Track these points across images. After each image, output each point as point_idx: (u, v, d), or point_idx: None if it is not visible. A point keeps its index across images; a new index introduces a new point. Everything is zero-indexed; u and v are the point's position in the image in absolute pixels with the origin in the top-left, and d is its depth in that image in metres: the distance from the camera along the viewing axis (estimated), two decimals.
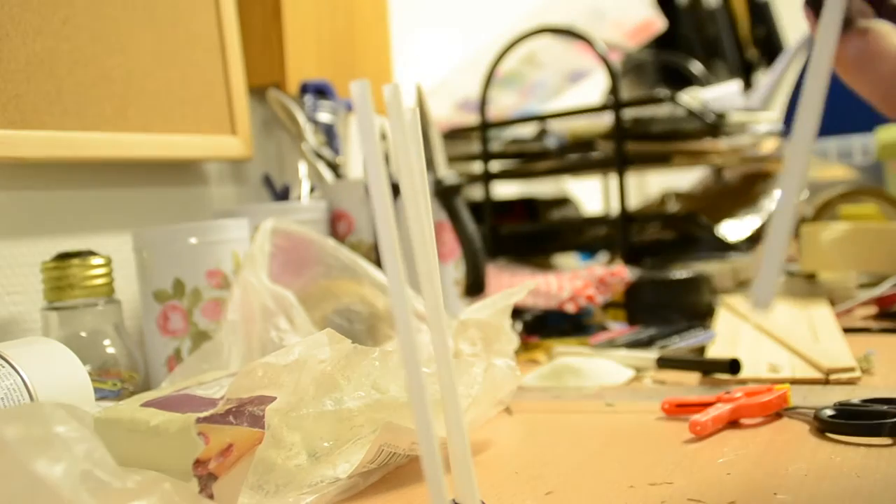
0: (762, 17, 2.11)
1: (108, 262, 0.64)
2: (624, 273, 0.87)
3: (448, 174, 0.86)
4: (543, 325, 0.84)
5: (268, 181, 0.90)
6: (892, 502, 0.37)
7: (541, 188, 1.42)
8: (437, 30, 1.34)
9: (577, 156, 1.10)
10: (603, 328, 0.84)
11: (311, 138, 0.89)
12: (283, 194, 0.88)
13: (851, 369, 0.60)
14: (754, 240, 1.24)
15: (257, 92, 0.93)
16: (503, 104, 1.24)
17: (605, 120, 1.05)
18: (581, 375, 0.66)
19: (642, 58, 1.76)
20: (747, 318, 0.81)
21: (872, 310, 0.85)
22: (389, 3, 1.12)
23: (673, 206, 1.35)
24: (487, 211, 1.07)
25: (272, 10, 0.92)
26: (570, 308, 0.83)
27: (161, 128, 0.76)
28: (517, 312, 0.78)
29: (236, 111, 0.85)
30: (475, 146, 1.14)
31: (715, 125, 1.05)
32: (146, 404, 0.47)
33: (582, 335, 0.81)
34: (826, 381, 0.60)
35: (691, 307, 0.86)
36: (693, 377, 0.64)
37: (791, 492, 0.39)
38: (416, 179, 0.27)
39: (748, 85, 1.85)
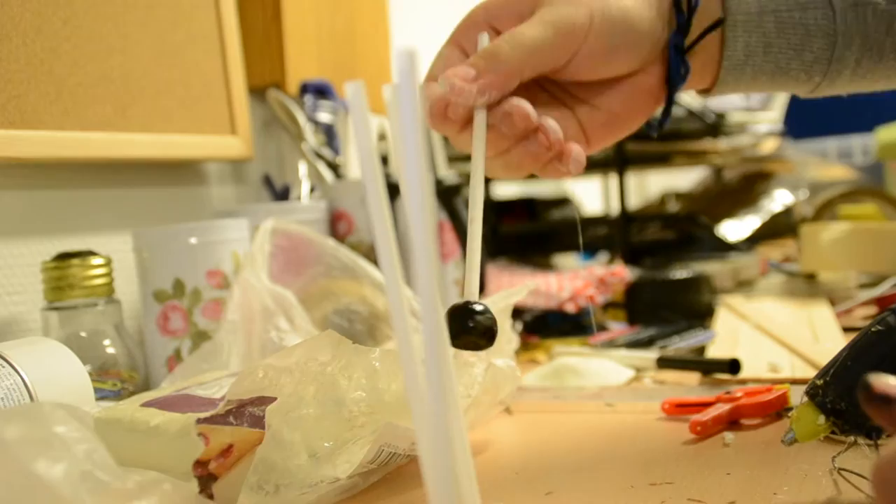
0: None
1: (108, 262, 0.64)
2: (624, 273, 0.87)
3: (448, 174, 0.86)
4: (543, 325, 0.84)
5: (268, 181, 0.90)
6: None
7: (541, 188, 1.42)
8: (437, 30, 1.34)
9: None
10: (603, 328, 0.84)
11: (311, 138, 0.89)
12: (283, 194, 0.88)
13: None
14: (754, 240, 1.24)
15: (257, 92, 0.93)
16: None
17: None
18: (581, 375, 0.66)
19: None
20: (747, 318, 0.81)
21: (872, 310, 0.85)
22: (389, 3, 1.12)
23: (673, 206, 1.35)
24: (487, 211, 1.07)
25: (272, 10, 0.92)
26: (570, 308, 0.83)
27: (161, 128, 0.76)
28: (517, 312, 0.78)
29: (236, 111, 0.85)
30: None
31: (715, 125, 1.05)
32: (146, 404, 0.47)
33: (582, 335, 0.81)
34: None
35: (691, 307, 0.86)
36: (693, 377, 0.64)
37: (791, 492, 0.39)
38: (419, 171, 0.27)
39: None
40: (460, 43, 0.49)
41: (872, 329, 0.41)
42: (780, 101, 1.27)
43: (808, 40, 0.48)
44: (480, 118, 0.45)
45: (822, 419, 0.40)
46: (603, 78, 0.48)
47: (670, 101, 0.50)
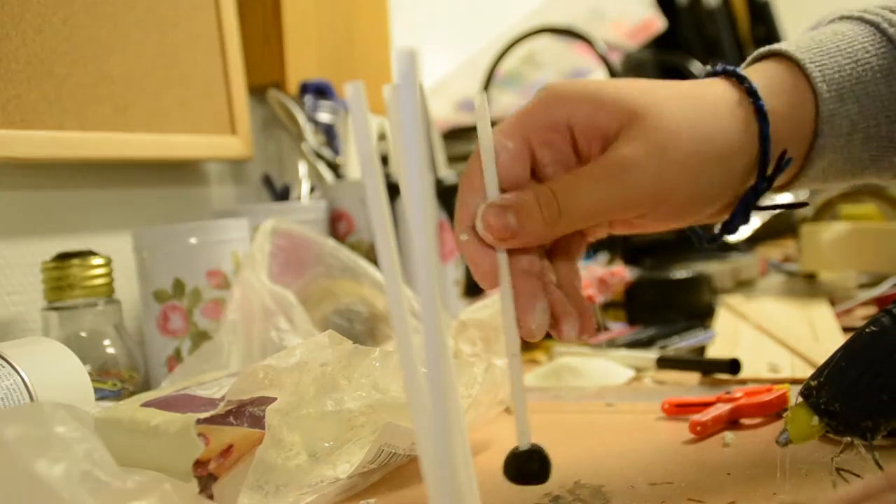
0: (762, 17, 2.11)
1: (108, 262, 0.64)
2: (624, 273, 0.87)
3: (448, 174, 0.86)
4: None
5: (268, 181, 0.90)
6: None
7: None
8: (437, 30, 1.34)
9: None
10: (603, 328, 0.84)
11: (311, 138, 0.89)
12: (283, 194, 0.88)
13: None
14: (754, 240, 1.24)
15: (257, 92, 0.93)
16: (503, 104, 1.24)
17: None
18: (581, 375, 0.66)
19: (642, 58, 1.76)
20: (747, 318, 0.81)
21: (872, 310, 0.84)
22: (389, 3, 1.12)
23: None
24: None
25: (272, 10, 0.92)
26: None
27: (161, 128, 0.76)
28: None
29: (236, 111, 0.85)
30: (475, 146, 1.14)
31: None
32: (146, 404, 0.47)
33: None
34: None
35: (691, 307, 0.86)
36: (693, 377, 0.64)
37: (791, 492, 0.39)
38: (419, 171, 0.27)
39: None
40: (529, 137, 0.41)
41: (867, 330, 0.41)
42: None
43: (887, 151, 0.44)
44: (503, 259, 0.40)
45: (815, 420, 0.40)
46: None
47: (718, 238, 0.45)
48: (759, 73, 0.43)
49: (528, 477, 0.41)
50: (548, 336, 0.41)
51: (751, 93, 0.42)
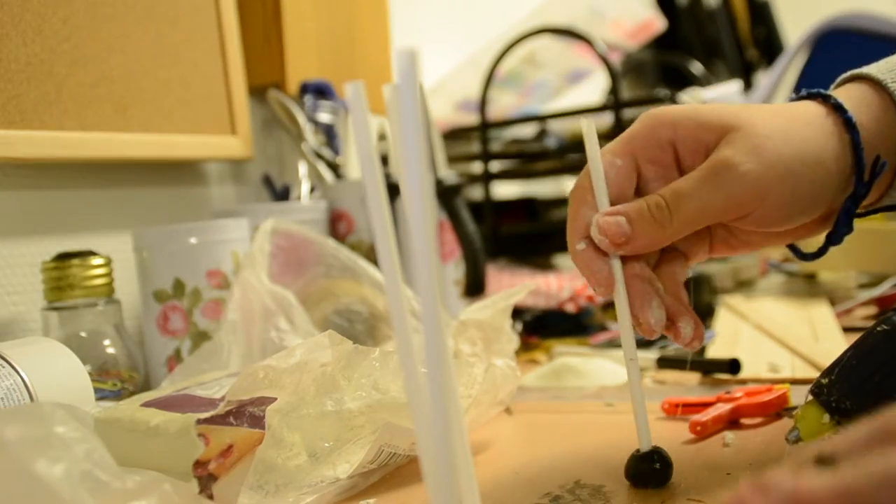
0: (762, 17, 2.11)
1: (108, 262, 0.64)
2: None
3: (448, 174, 0.86)
4: (543, 325, 0.84)
5: (268, 181, 0.90)
6: None
7: (541, 188, 1.42)
8: (437, 30, 1.34)
9: (577, 156, 1.10)
10: (603, 328, 0.84)
11: (311, 138, 0.89)
12: (283, 194, 0.88)
13: None
14: None
15: (257, 92, 0.93)
16: (503, 104, 1.24)
17: (605, 120, 1.05)
18: (581, 375, 0.66)
19: (642, 58, 1.76)
20: (747, 318, 0.81)
21: (872, 310, 0.85)
22: (389, 3, 1.12)
23: None
24: (487, 211, 1.07)
25: (272, 10, 0.92)
26: (570, 308, 0.83)
27: (161, 128, 0.76)
28: (517, 312, 0.78)
29: (236, 111, 0.85)
30: (475, 146, 1.14)
31: None
32: (146, 404, 0.47)
33: (582, 335, 0.81)
34: None
35: (691, 307, 0.85)
36: (693, 377, 0.64)
37: None
38: (419, 171, 0.27)
39: (748, 85, 1.86)
40: (636, 155, 0.44)
41: (878, 329, 0.41)
42: (780, 101, 1.27)
43: None
44: (617, 266, 0.43)
45: (826, 418, 0.40)
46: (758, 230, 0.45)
47: (824, 250, 0.47)
48: (843, 94, 0.45)
49: (650, 478, 0.41)
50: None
51: (837, 107, 0.44)
